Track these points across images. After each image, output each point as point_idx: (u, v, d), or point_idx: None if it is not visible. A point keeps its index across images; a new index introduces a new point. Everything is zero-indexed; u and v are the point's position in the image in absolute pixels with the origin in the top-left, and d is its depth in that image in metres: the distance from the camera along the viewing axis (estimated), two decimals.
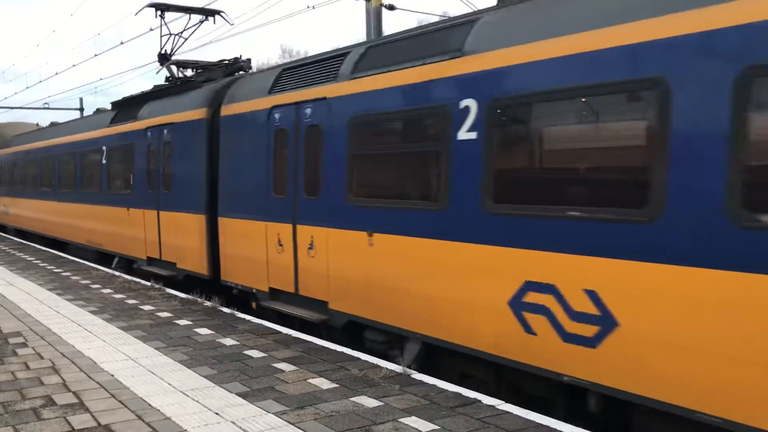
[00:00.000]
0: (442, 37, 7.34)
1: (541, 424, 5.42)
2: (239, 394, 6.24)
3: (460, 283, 6.69)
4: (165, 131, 13.10)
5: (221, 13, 15.67)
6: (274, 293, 9.84)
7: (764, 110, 4.67)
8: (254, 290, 10.30)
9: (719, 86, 4.72)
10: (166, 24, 15.87)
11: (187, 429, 5.37)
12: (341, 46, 9.72)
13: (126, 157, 14.81)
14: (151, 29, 18.17)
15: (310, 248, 8.91)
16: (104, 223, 15.99)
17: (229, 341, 8.35)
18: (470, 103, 6.61)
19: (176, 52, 15.71)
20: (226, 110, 11.11)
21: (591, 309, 5.46)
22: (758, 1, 4.57)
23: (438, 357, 7.36)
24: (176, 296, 11.63)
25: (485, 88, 6.47)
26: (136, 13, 16.97)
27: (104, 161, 16.10)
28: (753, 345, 4.43)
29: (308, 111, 9.05)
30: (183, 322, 9.53)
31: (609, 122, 5.70)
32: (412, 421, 5.53)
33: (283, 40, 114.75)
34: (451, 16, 8.48)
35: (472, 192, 6.51)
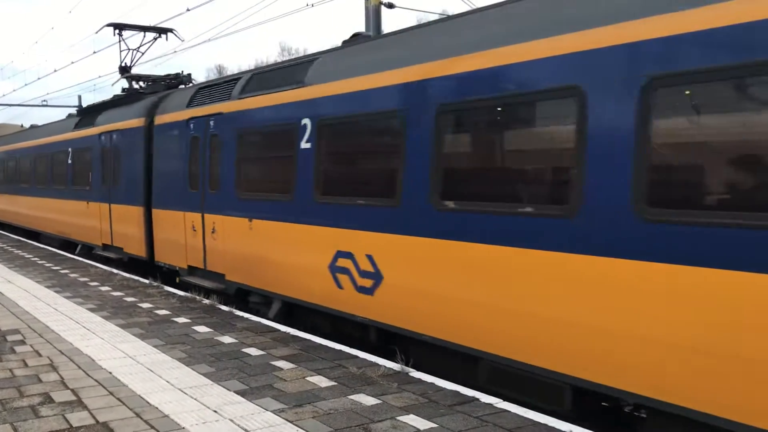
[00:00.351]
0: (295, 71, 9.76)
1: (539, 422, 5.44)
2: (237, 392, 6.24)
3: (302, 254, 9.06)
4: (114, 136, 15.45)
5: (173, 31, 18.67)
6: (191, 269, 12.22)
7: (447, 135, 7.01)
8: (177, 268, 12.68)
9: (427, 119, 7.11)
10: (124, 41, 18.61)
11: (185, 427, 5.38)
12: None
13: (86, 157, 17.16)
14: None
15: (213, 232, 11.29)
16: (70, 215, 18.47)
17: (227, 339, 8.36)
18: (307, 121, 8.99)
19: (135, 64, 18.67)
20: (158, 120, 13.51)
21: (369, 268, 7.88)
22: (448, 62, 6.97)
23: (297, 312, 9.73)
24: (175, 294, 11.64)
25: (314, 111, 8.90)
26: (97, 32, 20.35)
27: (69, 161, 18.50)
28: (446, 284, 6.91)
29: (212, 123, 11.38)
30: (181, 319, 9.54)
31: (375, 141, 8.19)
32: (410, 419, 5.54)
33: (282, 38, 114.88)
34: (449, 14, 8.62)
35: (308, 187, 8.93)
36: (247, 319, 9.61)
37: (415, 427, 5.37)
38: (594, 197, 5.55)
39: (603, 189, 5.49)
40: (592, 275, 5.59)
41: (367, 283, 7.90)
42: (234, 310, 10.17)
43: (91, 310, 10.20)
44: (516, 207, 6.21)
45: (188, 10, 18.97)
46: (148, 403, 5.96)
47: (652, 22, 5.28)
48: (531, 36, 6.21)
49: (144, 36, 18.50)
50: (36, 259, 16.93)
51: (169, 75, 16.80)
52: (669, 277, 5.03)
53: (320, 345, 8.04)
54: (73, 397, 6.09)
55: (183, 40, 18.88)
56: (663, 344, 5.09)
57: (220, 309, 10.31)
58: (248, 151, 10.41)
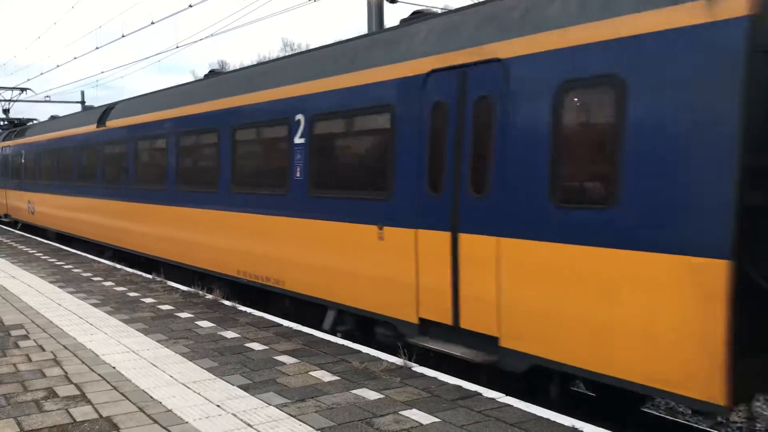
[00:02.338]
0: (25, 130, 25.95)
1: (541, 417, 5.44)
2: (240, 387, 6.26)
3: (23, 203, 24.53)
4: None
5: (29, 89, 35.66)
6: (6, 215, 27.60)
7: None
8: (6, 218, 27.97)
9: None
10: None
11: (188, 421, 5.40)
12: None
13: None
14: (153, 22, 19.88)
15: (9, 198, 26.89)
16: None
17: (230, 334, 8.37)
18: (22, 151, 25.64)
19: (10, 109, 36.13)
20: None
21: (34, 206, 23.09)
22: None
23: (26, 227, 25.09)
24: (177, 289, 11.66)
25: (32, 147, 23.70)
26: None
27: None
28: (50, 209, 20.77)
29: (7, 150, 26.82)
30: (184, 314, 9.56)
31: (41, 155, 21.84)
32: (412, 413, 5.55)
33: (284, 34, 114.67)
34: (451, 8, 8.52)
35: (23, 176, 25.05)
36: (250, 314, 9.63)
37: (417, 421, 5.38)
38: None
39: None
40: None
41: (34, 210, 22.73)
42: (237, 305, 10.19)
43: (95, 305, 10.23)
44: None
45: (191, 6, 18.96)
46: (151, 397, 5.97)
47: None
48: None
49: (12, 91, 34.97)
50: (39, 254, 16.98)
51: (15, 119, 33.33)
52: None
53: (323, 340, 8.05)
54: (77, 392, 6.12)
55: (36, 93, 41.18)
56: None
57: (222, 304, 10.33)
58: (15, 161, 25.27)
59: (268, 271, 9.93)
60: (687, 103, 5.03)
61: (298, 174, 9.17)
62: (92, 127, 17.20)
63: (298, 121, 9.15)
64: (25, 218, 24.40)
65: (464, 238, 6.72)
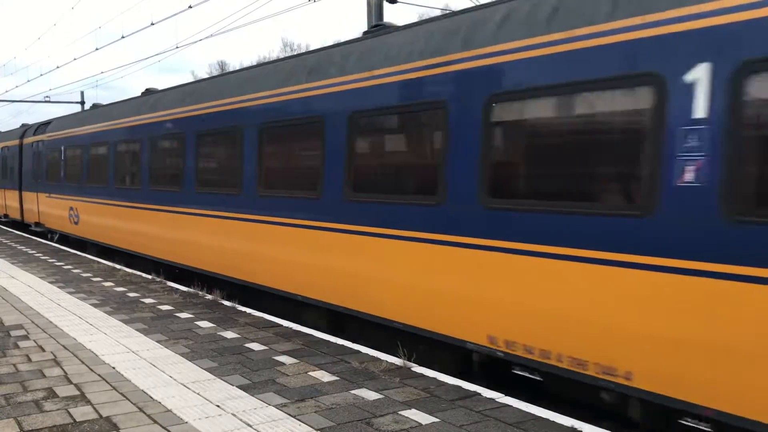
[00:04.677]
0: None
1: (540, 417, 5.45)
2: (240, 387, 6.27)
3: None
4: None
5: None
6: None
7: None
8: None
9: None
10: None
11: (188, 421, 5.40)
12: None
13: None
14: (152, 23, 19.80)
15: None
16: None
17: (229, 334, 8.38)
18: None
19: None
20: None
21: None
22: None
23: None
24: (177, 289, 11.67)
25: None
26: None
27: None
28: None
29: None
30: (184, 315, 9.56)
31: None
32: (412, 413, 5.56)
33: (284, 34, 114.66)
34: (452, 9, 8.55)
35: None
36: (249, 314, 9.64)
37: (417, 421, 5.39)
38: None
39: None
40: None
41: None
42: (237, 306, 10.20)
43: (95, 305, 10.23)
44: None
45: (190, 7, 18.97)
46: (151, 397, 5.98)
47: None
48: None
49: None
50: (39, 254, 16.98)
51: None
52: None
53: (322, 340, 8.06)
54: (77, 392, 6.12)
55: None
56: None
57: (222, 304, 10.34)
58: None
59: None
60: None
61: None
62: None
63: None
64: None
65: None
